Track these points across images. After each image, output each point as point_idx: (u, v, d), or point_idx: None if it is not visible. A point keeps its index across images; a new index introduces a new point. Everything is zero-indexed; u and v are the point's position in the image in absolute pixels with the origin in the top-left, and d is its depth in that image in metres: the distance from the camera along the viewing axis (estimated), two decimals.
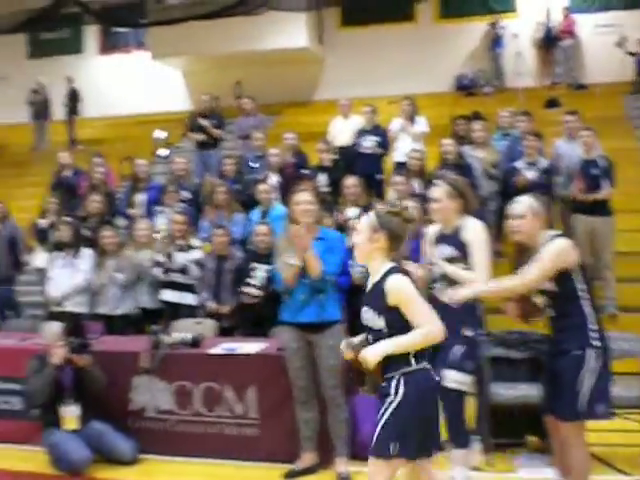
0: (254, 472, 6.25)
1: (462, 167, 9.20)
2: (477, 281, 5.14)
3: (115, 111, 18.91)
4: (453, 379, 5.15)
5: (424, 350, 4.18)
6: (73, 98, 17.54)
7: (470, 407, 5.65)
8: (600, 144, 9.56)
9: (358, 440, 6.14)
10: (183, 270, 8.39)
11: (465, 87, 17.67)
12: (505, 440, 6.18)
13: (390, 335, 4.10)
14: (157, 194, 10.22)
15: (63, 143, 16.61)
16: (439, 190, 5.35)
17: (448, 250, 5.27)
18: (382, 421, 4.11)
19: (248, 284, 7.96)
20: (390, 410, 4.09)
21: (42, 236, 10.32)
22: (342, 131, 11.70)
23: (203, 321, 8.03)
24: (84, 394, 6.55)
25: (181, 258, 8.40)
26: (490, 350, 6.10)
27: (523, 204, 4.97)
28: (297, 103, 17.71)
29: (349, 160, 10.65)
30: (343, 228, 7.91)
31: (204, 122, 12.56)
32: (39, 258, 10.18)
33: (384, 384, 4.18)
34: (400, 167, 10.32)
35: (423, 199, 8.07)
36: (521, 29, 17.37)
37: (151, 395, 6.71)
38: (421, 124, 10.95)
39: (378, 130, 11.01)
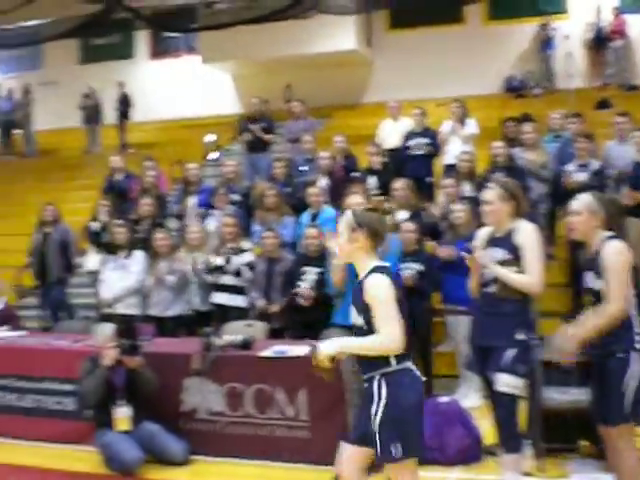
0: (304, 474, 6.25)
1: (513, 169, 9.14)
2: (529, 284, 5.11)
3: (165, 115, 19.06)
4: (505, 383, 5.09)
5: (406, 350, 4.15)
6: (124, 103, 17.71)
7: (522, 411, 5.59)
8: None
9: None
10: (234, 272, 8.44)
11: (515, 89, 17.52)
12: (557, 445, 6.11)
13: (369, 333, 4.10)
14: (208, 197, 10.29)
15: (114, 147, 16.81)
16: (491, 193, 5.31)
17: (500, 253, 5.22)
18: (376, 427, 4.08)
19: (299, 287, 7.98)
20: (380, 415, 4.06)
21: (94, 239, 10.44)
22: (391, 134, 11.68)
23: (253, 323, 8.06)
24: (136, 395, 6.62)
25: (234, 261, 8.45)
26: (542, 354, 6.05)
27: (581, 201, 4.99)
28: (346, 106, 17.70)
29: (398, 163, 10.63)
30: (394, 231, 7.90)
31: (253, 127, 12.61)
32: (91, 260, 10.31)
33: (365, 385, 4.18)
34: (450, 170, 10.27)
35: (473, 202, 8.05)
36: (572, 30, 17.17)
37: (202, 397, 6.76)
38: (471, 126, 10.90)
39: (427, 132, 10.99)
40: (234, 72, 19.20)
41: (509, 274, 5.13)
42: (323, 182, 10.09)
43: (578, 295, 7.70)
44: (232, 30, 15.70)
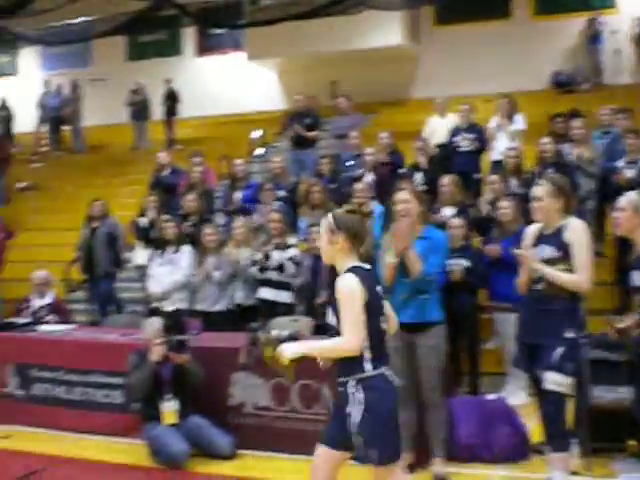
0: (349, 470, 6.23)
1: (561, 166, 9.06)
2: (578, 282, 5.08)
3: (212, 111, 19.12)
4: (553, 381, 5.07)
5: (382, 353, 4.16)
6: (171, 99, 17.81)
7: (569, 410, 5.55)
8: None
9: (455, 441, 6.12)
10: (280, 268, 8.47)
11: (562, 84, 17.31)
12: (604, 444, 6.04)
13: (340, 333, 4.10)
14: (254, 193, 10.34)
15: (162, 143, 16.91)
16: (541, 189, 5.27)
17: (548, 250, 5.19)
18: (355, 430, 4.06)
19: None
20: (358, 420, 4.04)
21: (142, 234, 10.54)
22: (438, 129, 11.63)
23: (299, 319, 8.08)
24: (183, 389, 6.69)
25: (278, 256, 8.48)
26: (590, 352, 5.99)
27: (626, 198, 4.98)
28: (393, 102, 17.61)
29: (445, 159, 10.60)
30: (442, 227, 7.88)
31: (296, 126, 12.63)
32: (139, 255, 10.42)
33: (340, 388, 4.18)
34: (497, 166, 10.22)
35: (520, 198, 8.00)
36: (620, 25, 16.95)
37: (249, 391, 6.80)
38: (519, 122, 10.81)
39: (474, 128, 10.92)
40: (280, 68, 19.23)
41: (557, 273, 5.10)
42: (369, 178, 10.09)
43: (627, 293, 7.62)
44: (277, 26, 15.71)
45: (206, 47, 20.76)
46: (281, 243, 8.58)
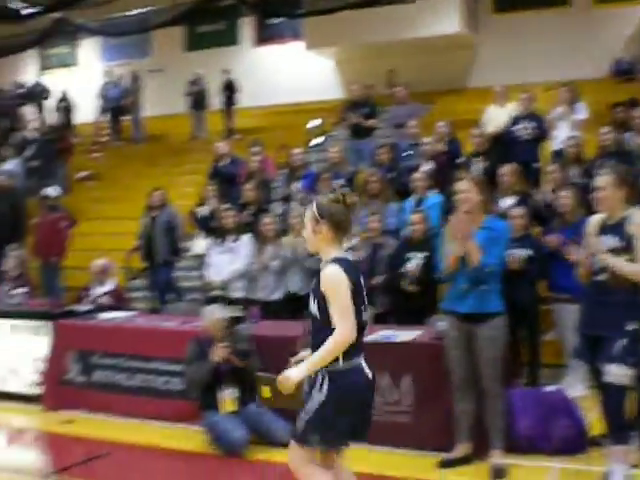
0: (404, 459, 6.26)
1: (623, 155, 8.93)
2: None
3: (270, 101, 19.15)
4: (614, 373, 5.02)
5: (358, 345, 4.16)
6: (230, 89, 17.88)
7: (630, 402, 5.49)
8: None
9: (514, 433, 6.09)
10: None
11: (623, 72, 17.03)
12: None
13: (322, 323, 4.12)
14: (312, 182, 10.37)
15: (220, 132, 17.02)
16: (605, 179, 5.21)
17: (612, 241, 5.13)
18: (308, 414, 4.14)
19: (403, 273, 7.97)
20: (316, 406, 4.11)
21: (201, 223, 10.64)
22: (497, 118, 11.51)
23: None
24: (242, 378, 6.74)
25: None
26: None
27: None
28: (451, 90, 17.49)
29: (504, 148, 10.50)
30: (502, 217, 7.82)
31: (353, 115, 12.61)
32: (198, 244, 10.51)
33: (312, 375, 4.19)
34: (558, 155, 10.10)
35: (580, 188, 7.90)
36: None
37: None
38: (581, 111, 10.66)
39: (533, 117, 10.78)
40: (338, 57, 19.21)
41: (623, 263, 5.04)
42: (427, 167, 10.05)
43: None
44: (336, 15, 15.73)
45: (264, 37, 20.80)
46: None
